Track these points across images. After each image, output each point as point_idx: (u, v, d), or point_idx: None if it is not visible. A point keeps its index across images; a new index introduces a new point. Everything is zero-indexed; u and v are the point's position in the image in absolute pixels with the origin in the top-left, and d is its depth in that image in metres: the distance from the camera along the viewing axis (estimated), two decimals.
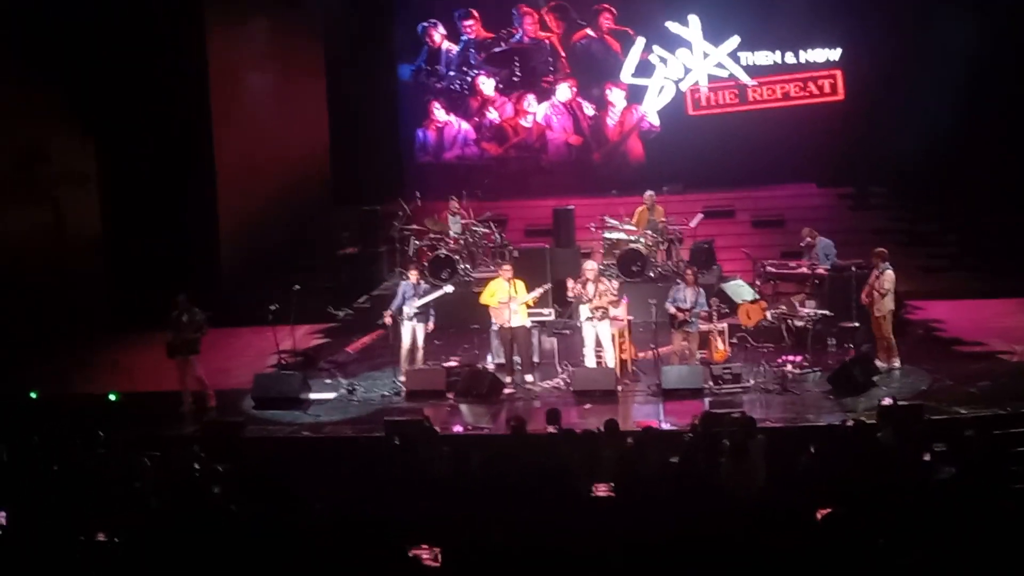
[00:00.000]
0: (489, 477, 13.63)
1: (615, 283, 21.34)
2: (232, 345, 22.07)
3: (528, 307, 20.78)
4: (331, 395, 20.49)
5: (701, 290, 20.57)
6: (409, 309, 20.52)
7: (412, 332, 20.68)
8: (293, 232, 28.03)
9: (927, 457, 13.69)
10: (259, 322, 21.67)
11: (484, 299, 20.88)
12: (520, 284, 20.74)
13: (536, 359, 21.22)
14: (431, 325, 20.80)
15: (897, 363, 20.27)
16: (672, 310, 20.33)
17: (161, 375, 20.87)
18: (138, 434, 17.28)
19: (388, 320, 20.82)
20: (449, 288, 21.50)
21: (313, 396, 20.29)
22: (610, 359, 20.37)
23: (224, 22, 26.26)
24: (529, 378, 20.62)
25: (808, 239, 23.70)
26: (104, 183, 26.24)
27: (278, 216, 27.69)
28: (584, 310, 20.38)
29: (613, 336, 20.43)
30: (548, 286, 21.87)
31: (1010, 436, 16.58)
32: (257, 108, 27.57)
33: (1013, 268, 26.05)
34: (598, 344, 20.48)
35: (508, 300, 20.39)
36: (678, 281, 20.92)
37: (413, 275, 20.95)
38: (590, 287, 20.37)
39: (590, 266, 20.89)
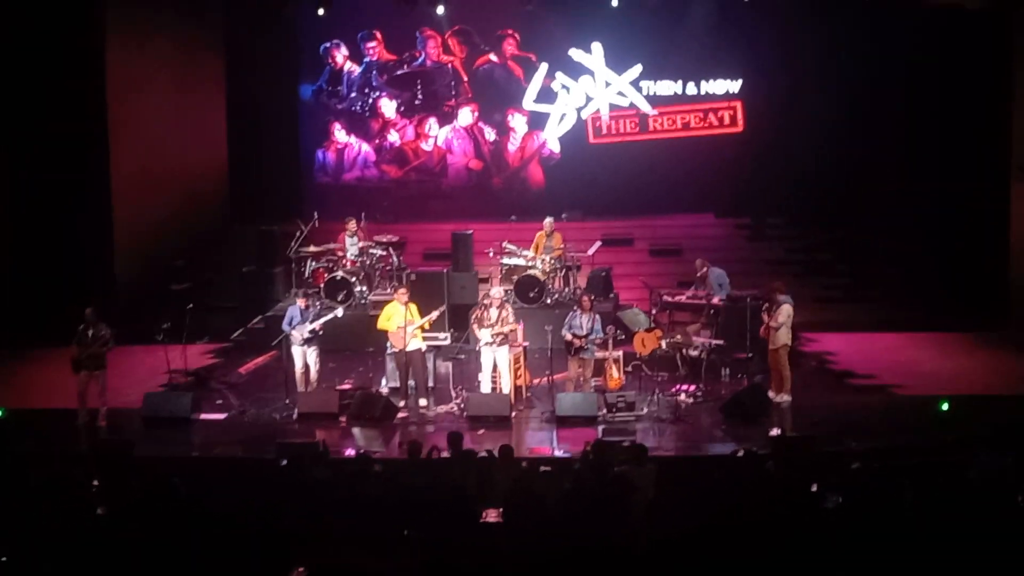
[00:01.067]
0: (380, 499, 13.52)
1: (511, 310, 21.31)
2: (124, 363, 21.74)
3: (423, 330, 20.71)
4: (222, 416, 20.25)
5: (597, 317, 20.58)
6: (299, 334, 20.36)
7: (303, 355, 20.53)
8: (189, 249, 27.74)
9: (814, 488, 13.74)
10: (151, 340, 21.38)
11: (381, 324, 20.77)
12: (414, 307, 20.65)
13: (431, 383, 21.14)
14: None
15: (788, 396, 20.39)
16: (568, 337, 20.34)
17: (53, 391, 20.59)
18: (27, 451, 16.98)
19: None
20: (339, 312, 21.35)
21: (204, 417, 20.04)
22: (506, 385, 20.33)
23: (124, 36, 25.91)
24: (423, 402, 20.53)
25: (702, 269, 23.84)
26: None
27: (175, 233, 27.41)
28: (484, 335, 20.32)
29: (509, 362, 20.40)
30: (443, 308, 21.82)
31: (898, 468, 16.73)
32: (156, 124, 27.24)
33: (905, 301, 26.42)
34: (494, 369, 20.43)
35: (404, 324, 20.29)
36: (575, 308, 20.92)
37: (302, 301, 20.83)
38: (493, 312, 20.35)
39: (496, 292, 20.89)
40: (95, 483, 14.40)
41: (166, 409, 19.98)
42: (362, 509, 13.24)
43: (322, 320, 20.67)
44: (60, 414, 19.95)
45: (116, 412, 20.06)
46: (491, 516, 13.35)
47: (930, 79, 27.57)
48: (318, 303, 22.64)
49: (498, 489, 14.11)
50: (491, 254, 25.47)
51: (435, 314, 20.95)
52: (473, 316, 20.97)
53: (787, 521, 12.19)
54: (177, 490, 13.40)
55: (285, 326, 20.57)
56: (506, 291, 23.38)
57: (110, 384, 20.12)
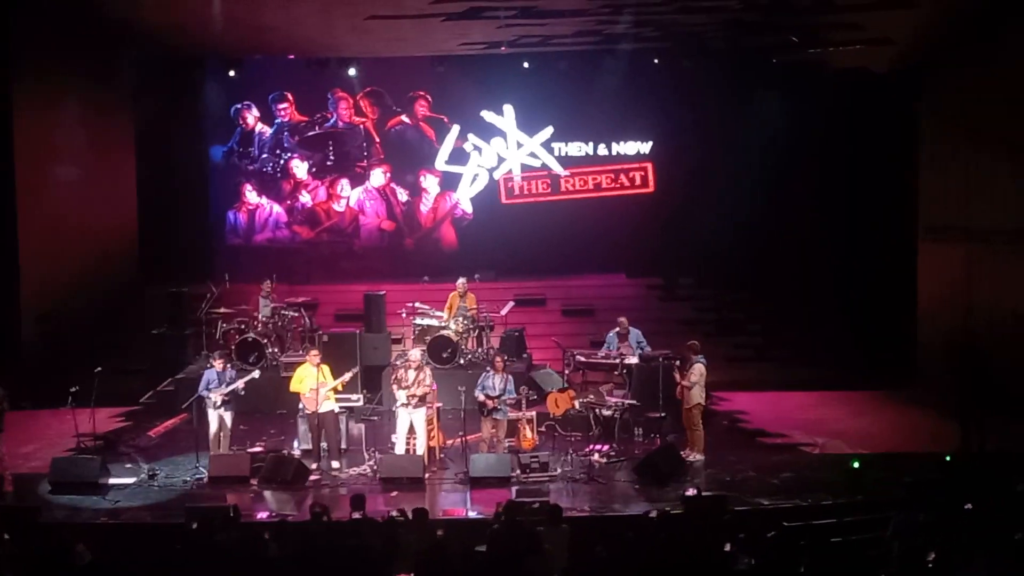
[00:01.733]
0: (290, 563, 13.39)
1: (428, 371, 21.20)
2: (30, 427, 21.42)
3: (336, 392, 20.59)
4: (131, 480, 19.95)
5: (510, 377, 20.60)
6: (215, 397, 20.16)
7: (219, 419, 20.31)
8: (99, 311, 27.45)
9: (728, 547, 13.76)
10: (59, 404, 21.07)
11: (293, 386, 20.61)
12: (326, 369, 20.54)
13: (344, 445, 21.03)
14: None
15: (700, 455, 20.46)
16: (481, 397, 20.31)
17: None
18: None
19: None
20: (256, 374, 21.17)
21: (113, 481, 19.74)
22: (420, 446, 20.23)
23: (32, 97, 25.66)
24: (336, 464, 20.37)
25: (624, 328, 23.83)
26: None
27: (83, 294, 27.10)
28: (401, 396, 20.22)
29: (423, 423, 20.30)
30: (356, 370, 21.71)
31: (810, 528, 16.82)
32: (65, 185, 26.99)
33: (816, 359, 26.67)
34: (410, 431, 20.32)
35: (317, 386, 20.17)
36: (488, 368, 20.89)
37: (218, 363, 20.58)
38: (411, 373, 20.26)
39: (415, 355, 20.81)
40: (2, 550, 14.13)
41: (74, 473, 19.59)
42: (269, 573, 13.13)
43: (243, 380, 20.49)
44: None
45: (22, 477, 19.67)
46: None
47: (839, 141, 28.05)
48: (230, 366, 22.42)
49: (409, 552, 14.02)
50: (404, 315, 25.40)
51: (348, 376, 20.82)
52: (392, 377, 20.85)
53: None
54: (81, 556, 13.22)
55: (202, 390, 20.33)
56: (422, 352, 23.30)
57: (15, 449, 19.80)
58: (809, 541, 13.80)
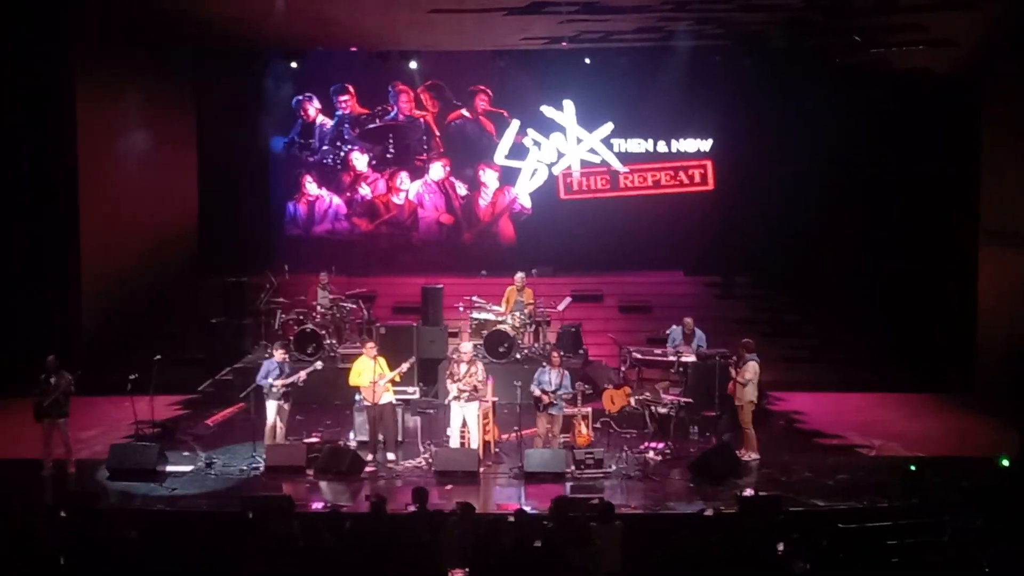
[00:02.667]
0: (346, 554, 13.46)
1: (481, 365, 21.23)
2: (89, 414, 21.59)
3: (394, 384, 20.67)
4: (188, 468, 20.11)
5: (566, 373, 20.56)
6: (277, 385, 20.25)
7: (277, 409, 20.41)
8: (157, 300, 27.67)
9: (780, 548, 13.72)
10: (118, 391, 21.24)
11: (353, 380, 20.67)
12: (383, 361, 20.62)
13: (399, 438, 21.10)
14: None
15: (755, 454, 20.41)
16: (537, 392, 20.30)
17: (14, 442, 20.46)
18: None
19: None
20: (319, 365, 21.24)
21: (170, 468, 19.91)
22: (474, 440, 20.27)
23: (95, 89, 25.93)
24: (391, 456, 20.46)
25: (690, 326, 23.76)
26: None
27: (143, 284, 27.33)
28: (453, 389, 20.27)
29: (478, 417, 20.35)
30: (413, 360, 21.71)
31: (866, 530, 16.76)
32: (126, 175, 27.25)
33: (873, 362, 26.51)
34: (463, 425, 20.37)
35: (376, 378, 20.25)
36: (544, 364, 20.90)
37: (279, 354, 20.66)
38: (463, 367, 20.31)
39: (467, 348, 20.81)
40: (53, 536, 14.28)
41: (132, 460, 19.80)
42: (327, 564, 13.19)
43: (305, 372, 20.57)
44: (22, 464, 19.79)
45: (81, 463, 19.93)
46: (456, 575, 13.29)
47: (899, 141, 27.79)
48: (289, 357, 22.47)
49: (462, 546, 14.05)
50: (461, 308, 25.47)
51: (405, 366, 20.91)
52: (447, 371, 20.93)
53: None
54: (133, 544, 13.34)
55: (261, 380, 20.42)
56: (475, 346, 23.32)
57: (75, 435, 20.01)
58: (864, 544, 13.76)
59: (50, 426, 19.56)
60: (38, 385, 19.57)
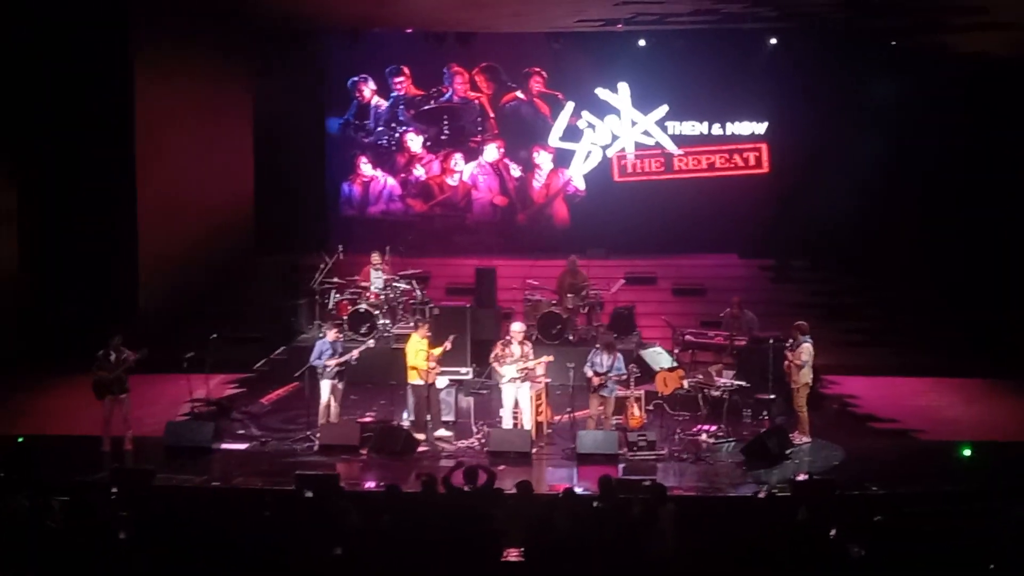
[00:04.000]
0: (400, 533, 13.50)
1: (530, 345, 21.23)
2: (146, 392, 21.76)
3: (441, 364, 20.75)
4: (243, 446, 20.26)
5: (619, 355, 20.54)
6: (330, 365, 20.35)
7: (331, 388, 20.51)
8: (214, 279, 27.84)
9: (833, 532, 13.68)
10: (174, 369, 21.40)
11: (416, 361, 20.68)
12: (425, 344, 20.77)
13: (452, 418, 21.18)
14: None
15: (807, 438, 20.36)
16: (589, 374, 20.31)
17: (75, 419, 20.68)
18: (48, 477, 16.98)
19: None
20: (371, 343, 21.31)
21: (225, 446, 20.06)
22: (527, 421, 20.30)
23: (152, 68, 26.08)
24: (440, 433, 20.56)
25: (737, 309, 23.84)
26: (25, 222, 25.99)
27: (199, 263, 27.50)
28: (507, 371, 20.29)
29: (531, 398, 20.38)
30: (453, 337, 21.55)
31: (920, 515, 16.70)
32: (183, 155, 27.34)
33: (929, 346, 26.35)
34: (516, 406, 20.41)
35: (428, 358, 20.36)
36: (597, 346, 20.91)
37: (332, 333, 20.76)
38: (515, 348, 20.34)
39: (517, 328, 20.82)
40: (112, 511, 14.41)
41: (188, 438, 20.00)
42: (383, 542, 13.24)
43: (358, 351, 20.67)
44: (82, 441, 20.01)
45: (138, 440, 20.09)
46: (512, 555, 13.31)
47: (957, 125, 27.61)
48: (343, 336, 22.56)
49: (518, 526, 14.07)
50: (516, 290, 25.49)
51: (448, 344, 20.94)
52: (493, 353, 20.93)
53: (810, 568, 12.14)
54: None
55: (315, 359, 20.54)
56: (528, 327, 23.36)
57: (132, 413, 20.19)
58: (919, 529, 13.71)
59: (112, 403, 19.75)
60: (97, 362, 19.75)
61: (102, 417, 19.82)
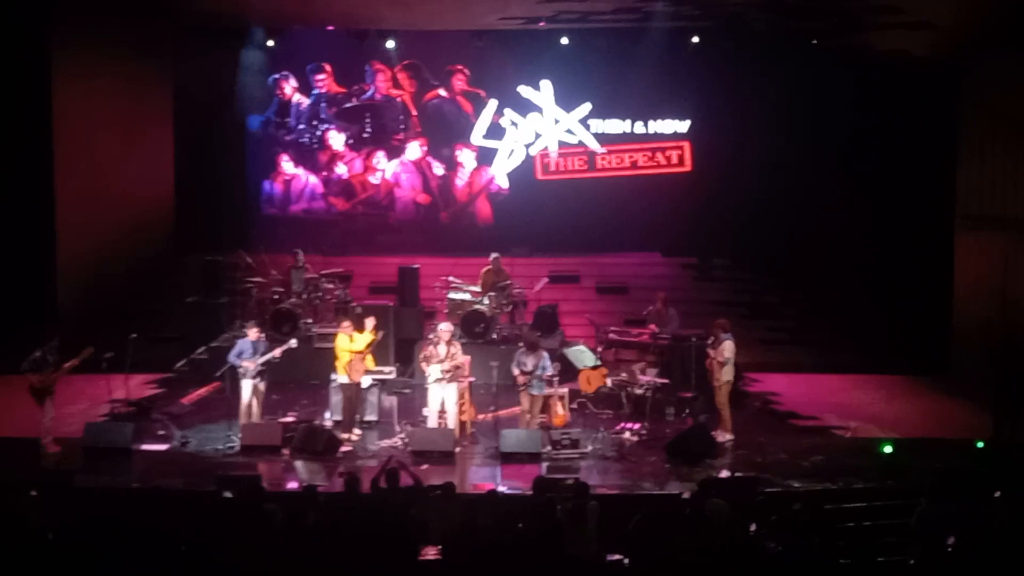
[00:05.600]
0: (321, 533, 13.44)
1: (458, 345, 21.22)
2: (64, 392, 21.46)
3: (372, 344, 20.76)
4: (164, 447, 20.08)
5: (544, 354, 20.54)
6: (249, 366, 20.19)
7: (252, 388, 20.36)
8: (134, 278, 27.58)
9: (752, 528, 13.75)
10: (93, 370, 21.16)
11: (344, 357, 20.60)
12: (359, 336, 20.68)
13: (375, 417, 21.11)
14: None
15: (729, 435, 20.45)
16: (516, 372, 20.29)
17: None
18: None
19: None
20: (294, 343, 21.20)
21: (145, 447, 19.86)
22: (451, 421, 20.25)
23: (71, 65, 25.74)
24: (358, 432, 20.51)
25: (659, 305, 23.93)
26: None
27: (119, 262, 27.23)
28: (434, 371, 20.22)
29: (455, 398, 20.32)
30: (373, 320, 21.49)
31: (840, 511, 16.85)
32: (102, 152, 27.04)
33: (849, 344, 26.57)
34: (441, 406, 20.34)
35: (355, 354, 20.31)
36: (520, 344, 20.90)
37: (253, 332, 20.62)
38: (442, 348, 20.28)
39: (444, 328, 20.76)
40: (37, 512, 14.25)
41: (107, 439, 19.76)
42: (303, 542, 13.17)
43: (280, 349, 20.53)
44: (7, 443, 19.76)
45: (57, 441, 19.82)
46: (430, 553, 13.28)
47: (877, 124, 27.84)
48: (264, 335, 22.44)
49: (437, 526, 14.04)
50: (437, 288, 25.45)
51: (370, 324, 20.91)
52: (421, 353, 20.89)
53: (729, 564, 12.18)
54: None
55: (232, 358, 20.37)
56: (454, 326, 23.34)
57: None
58: (837, 525, 13.81)
59: (50, 405, 19.61)
60: (34, 364, 19.51)
61: (41, 419, 19.62)
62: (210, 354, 24.89)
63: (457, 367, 20.20)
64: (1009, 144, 24.51)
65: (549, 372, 20.40)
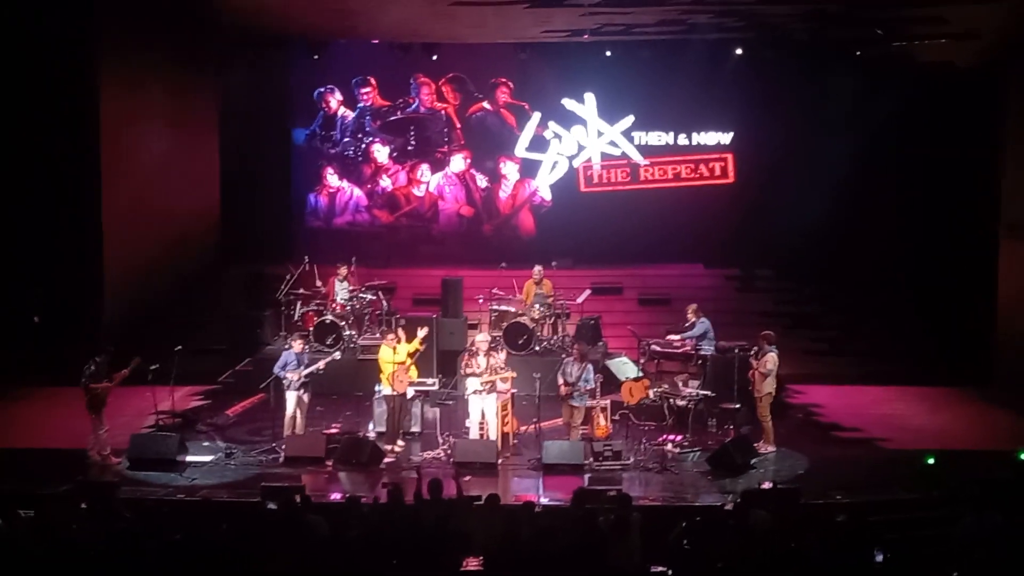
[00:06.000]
0: (364, 543, 13.50)
1: (502, 355, 21.29)
2: (110, 404, 21.62)
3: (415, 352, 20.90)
4: (208, 458, 20.19)
5: (589, 366, 20.57)
6: (293, 378, 20.30)
7: (296, 399, 20.46)
8: (179, 290, 27.74)
9: (797, 541, 13.73)
10: (138, 381, 21.29)
11: (387, 369, 20.72)
12: (401, 347, 20.77)
13: (418, 429, 21.19)
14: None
15: (772, 447, 20.42)
16: (560, 382, 20.33)
17: (38, 430, 20.58)
18: (12, 490, 16.88)
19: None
20: (337, 355, 21.29)
21: (190, 458, 19.99)
22: (493, 432, 20.30)
23: (118, 78, 25.89)
24: (401, 443, 20.61)
25: (691, 317, 23.89)
26: None
27: (165, 274, 27.37)
28: (472, 382, 20.30)
29: (496, 409, 20.38)
30: (427, 329, 21.65)
31: (882, 523, 16.77)
32: (148, 165, 27.17)
33: (892, 355, 26.46)
34: (482, 417, 20.40)
35: (399, 367, 20.41)
36: (563, 356, 20.92)
37: (298, 344, 20.73)
38: (481, 359, 20.36)
39: (482, 338, 20.89)
40: (79, 523, 14.35)
41: (152, 450, 19.90)
42: (346, 553, 13.24)
43: (324, 361, 20.64)
44: (46, 453, 19.91)
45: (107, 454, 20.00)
46: (472, 564, 13.32)
47: (921, 134, 27.74)
48: (308, 348, 22.54)
49: (479, 537, 14.08)
50: (480, 300, 25.51)
51: (422, 333, 21.03)
52: (462, 364, 20.97)
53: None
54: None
55: (278, 370, 20.48)
56: (494, 337, 23.39)
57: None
58: (881, 536, 13.76)
59: (103, 415, 19.85)
60: (91, 376, 19.75)
61: (92, 431, 19.78)
62: (254, 366, 25.00)
63: (495, 379, 20.22)
64: None
65: (591, 385, 20.43)
